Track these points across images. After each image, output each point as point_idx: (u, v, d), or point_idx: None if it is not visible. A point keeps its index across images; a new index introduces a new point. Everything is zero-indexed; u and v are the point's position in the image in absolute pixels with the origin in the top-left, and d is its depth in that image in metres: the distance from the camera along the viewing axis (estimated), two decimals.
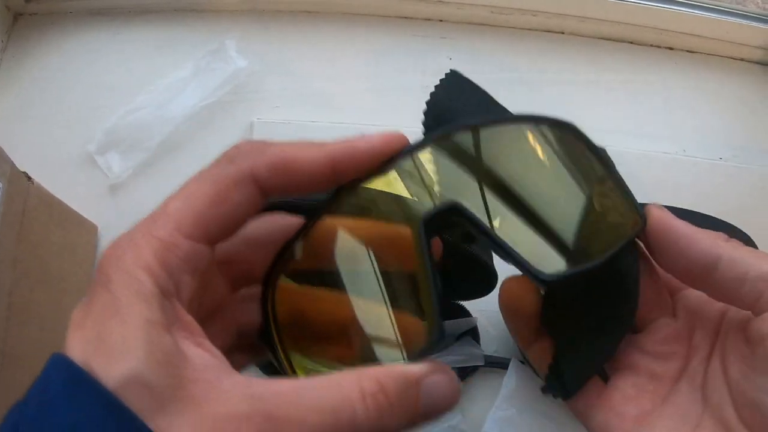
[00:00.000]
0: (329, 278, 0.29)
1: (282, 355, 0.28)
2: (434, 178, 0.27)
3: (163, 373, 0.22)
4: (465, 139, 0.27)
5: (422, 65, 0.79)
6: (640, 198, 0.69)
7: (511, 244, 0.27)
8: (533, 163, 0.30)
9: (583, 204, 0.30)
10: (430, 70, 0.78)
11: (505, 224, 0.28)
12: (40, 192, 0.56)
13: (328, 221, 0.28)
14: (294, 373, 0.28)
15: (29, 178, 0.55)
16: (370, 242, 0.28)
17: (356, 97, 0.76)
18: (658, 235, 0.31)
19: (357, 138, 0.26)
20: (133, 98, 0.74)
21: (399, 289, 0.28)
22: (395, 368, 0.23)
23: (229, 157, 0.25)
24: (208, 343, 0.24)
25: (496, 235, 0.27)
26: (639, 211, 0.32)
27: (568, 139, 0.30)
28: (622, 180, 0.31)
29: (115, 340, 0.22)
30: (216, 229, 0.25)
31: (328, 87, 0.76)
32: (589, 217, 0.30)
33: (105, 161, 0.72)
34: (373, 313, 0.28)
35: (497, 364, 0.61)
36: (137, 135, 0.72)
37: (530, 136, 0.29)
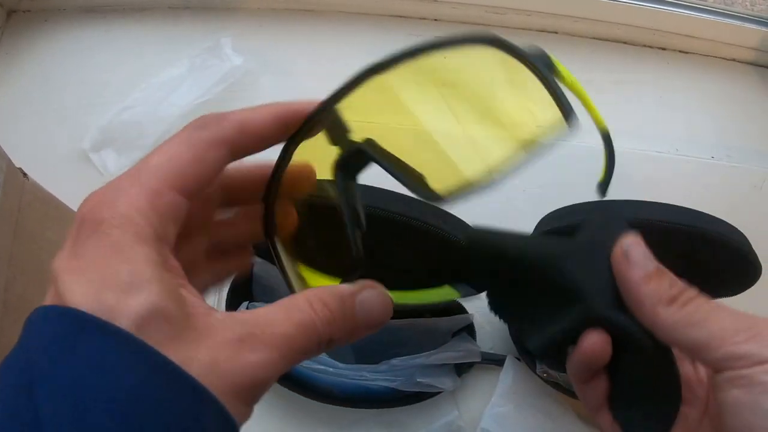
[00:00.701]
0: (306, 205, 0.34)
1: (285, 264, 0.33)
2: (347, 126, 0.30)
3: (175, 305, 0.23)
4: (377, 84, 0.28)
5: (421, 81, 0.79)
6: (632, 196, 0.69)
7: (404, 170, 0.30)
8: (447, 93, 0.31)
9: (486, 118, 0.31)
10: (429, 81, 0.78)
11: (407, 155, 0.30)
12: (35, 188, 0.56)
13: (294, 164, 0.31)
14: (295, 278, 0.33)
15: (25, 174, 0.54)
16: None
17: None
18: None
19: (292, 101, 0.29)
20: (128, 96, 0.74)
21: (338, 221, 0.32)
22: (334, 288, 0.28)
23: (198, 125, 0.27)
24: (192, 287, 0.26)
25: (410, 170, 0.30)
26: (564, 106, 0.30)
27: (488, 56, 0.28)
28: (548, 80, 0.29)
29: (126, 278, 0.22)
30: (194, 185, 0.26)
31: (323, 85, 0.75)
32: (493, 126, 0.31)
33: (100, 159, 0.71)
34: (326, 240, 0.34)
35: (493, 361, 0.62)
36: (132, 133, 0.72)
37: (444, 61, 0.28)
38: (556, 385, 0.58)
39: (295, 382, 0.58)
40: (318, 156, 0.31)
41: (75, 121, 0.74)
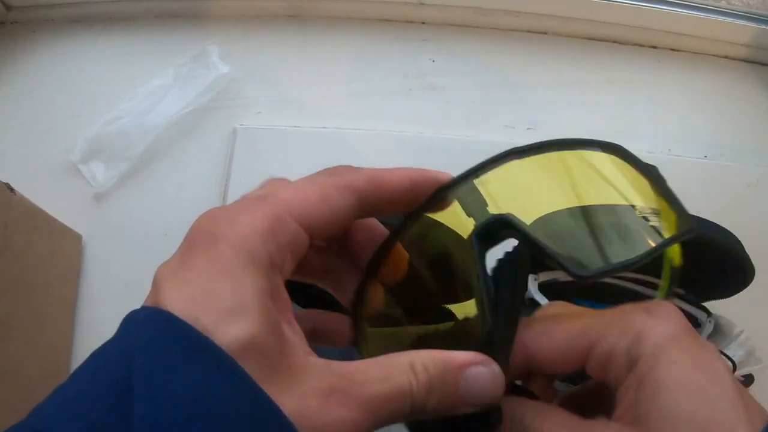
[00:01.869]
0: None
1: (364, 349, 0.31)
2: (487, 200, 0.29)
3: (273, 340, 0.22)
4: (511, 167, 0.29)
5: (404, 68, 0.79)
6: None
7: (553, 248, 0.28)
8: (579, 184, 0.32)
9: (625, 214, 0.31)
10: (412, 73, 0.78)
11: (548, 236, 0.29)
12: (22, 203, 0.56)
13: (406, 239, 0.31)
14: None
15: (11, 189, 0.54)
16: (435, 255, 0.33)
17: (338, 101, 0.76)
18: None
19: (424, 169, 0.29)
20: (115, 106, 0.74)
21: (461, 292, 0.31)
22: (440, 353, 0.26)
23: (330, 172, 0.28)
24: (296, 324, 0.26)
25: (538, 240, 0.28)
26: (689, 220, 0.30)
27: (613, 160, 0.31)
28: (672, 194, 0.30)
29: (229, 300, 0.22)
30: (319, 223, 0.26)
31: (310, 92, 0.76)
32: (630, 224, 0.31)
33: (89, 170, 0.71)
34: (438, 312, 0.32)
35: None
36: (120, 143, 0.71)
37: (574, 161, 0.31)
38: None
39: None
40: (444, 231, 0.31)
41: (63, 132, 0.74)
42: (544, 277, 0.57)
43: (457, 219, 0.30)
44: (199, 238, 0.23)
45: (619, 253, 0.29)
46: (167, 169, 0.72)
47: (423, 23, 0.82)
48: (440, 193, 0.29)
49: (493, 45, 0.81)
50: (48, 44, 0.82)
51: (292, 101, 0.75)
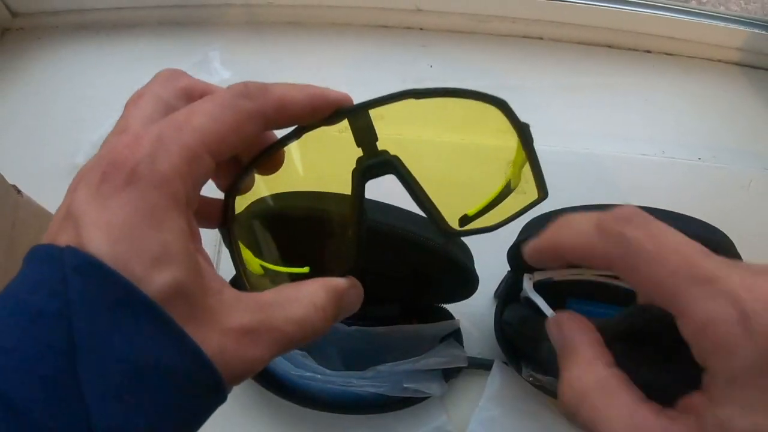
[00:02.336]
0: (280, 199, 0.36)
1: (236, 253, 0.33)
2: (377, 134, 0.32)
3: (195, 283, 0.23)
4: (408, 105, 0.31)
5: (403, 73, 0.80)
6: (618, 199, 0.70)
7: (432, 200, 0.33)
8: (460, 133, 0.35)
9: (495, 175, 0.36)
10: (410, 78, 0.80)
11: (428, 183, 0.33)
12: (29, 204, 0.56)
13: (289, 148, 0.32)
14: (242, 266, 0.33)
15: (19, 191, 0.55)
16: (315, 180, 0.36)
17: None
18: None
19: (326, 89, 0.30)
20: (119, 110, 0.75)
21: (336, 219, 0.36)
22: (330, 282, 0.29)
23: (242, 92, 0.27)
24: (203, 250, 0.27)
25: (421, 189, 0.33)
26: (542, 187, 0.35)
27: (494, 113, 0.34)
28: (536, 158, 0.34)
29: (156, 247, 0.22)
30: (228, 153, 0.26)
31: None
32: (497, 188, 0.36)
33: None
34: (314, 233, 0.36)
35: (481, 366, 0.62)
36: None
37: (462, 108, 0.33)
38: (542, 389, 0.59)
39: (283, 389, 0.59)
40: (331, 149, 0.33)
41: (68, 136, 0.75)
42: (539, 276, 0.58)
43: (346, 145, 0.31)
44: (120, 171, 0.23)
45: (485, 219, 0.35)
46: None
47: (421, 29, 0.83)
48: (337, 115, 0.30)
49: (490, 50, 0.83)
50: (53, 50, 0.83)
51: (326, 155, 0.76)
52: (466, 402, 0.62)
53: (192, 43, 0.81)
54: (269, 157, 0.31)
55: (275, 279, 0.37)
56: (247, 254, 0.34)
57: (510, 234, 0.57)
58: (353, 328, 0.57)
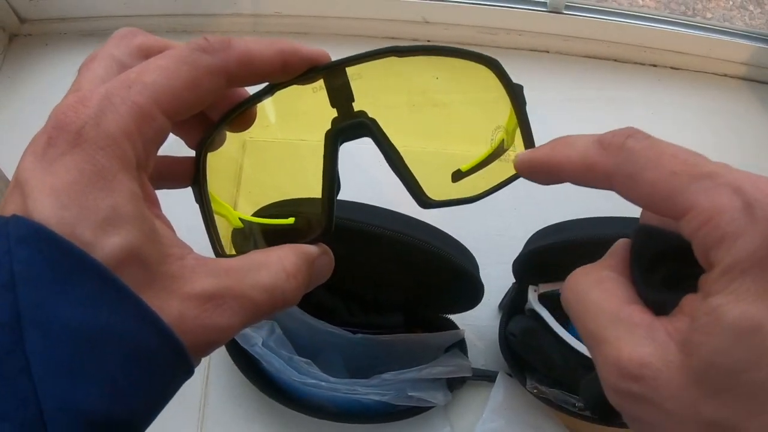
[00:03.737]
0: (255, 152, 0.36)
1: (207, 213, 0.31)
2: (353, 95, 0.30)
3: (150, 247, 0.22)
4: (389, 63, 0.30)
5: (424, 78, 0.80)
6: (624, 212, 0.70)
7: (408, 167, 0.31)
8: (445, 95, 0.35)
9: (481, 141, 0.34)
10: (416, 89, 0.79)
11: (408, 147, 0.31)
12: None
13: (263, 104, 0.31)
14: (213, 227, 0.32)
15: None
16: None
17: None
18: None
19: (298, 43, 0.28)
20: None
21: (309, 181, 0.33)
22: (300, 249, 0.28)
23: (202, 47, 0.25)
24: (163, 216, 0.26)
25: (398, 154, 0.31)
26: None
27: (484, 74, 0.32)
28: (527, 122, 0.32)
29: (105, 211, 0.21)
30: (184, 111, 0.25)
31: None
32: (483, 155, 0.34)
33: None
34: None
35: (485, 377, 0.62)
36: None
37: (448, 68, 0.32)
38: (546, 401, 0.59)
39: (288, 396, 0.59)
40: (305, 108, 0.31)
41: None
42: (544, 288, 0.58)
43: (322, 104, 0.30)
44: (66, 133, 0.22)
45: (465, 189, 0.33)
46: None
47: (428, 41, 0.84)
48: (311, 73, 0.29)
49: None
50: (60, 57, 0.84)
51: (300, 115, 0.77)
52: (470, 413, 0.62)
53: None
54: (240, 114, 0.30)
55: (254, 236, 0.36)
56: (224, 208, 0.33)
57: (515, 246, 0.57)
58: (358, 336, 0.57)
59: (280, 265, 0.26)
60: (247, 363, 0.60)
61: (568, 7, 0.81)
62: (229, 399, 0.63)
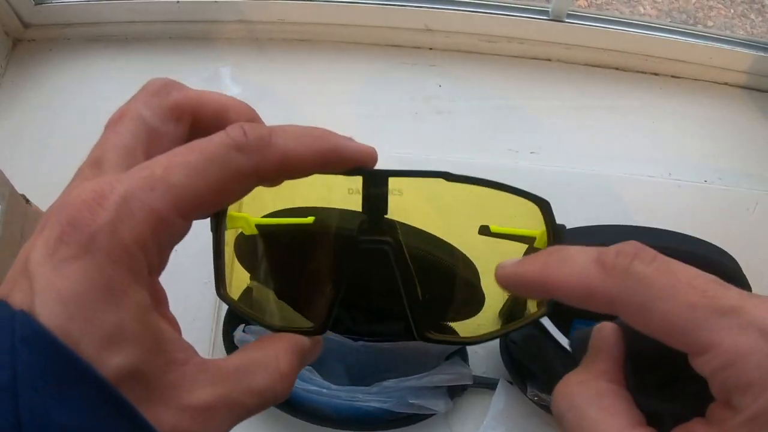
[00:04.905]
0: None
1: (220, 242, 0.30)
2: (387, 207, 0.29)
3: (154, 362, 0.22)
4: (433, 184, 0.29)
5: (411, 92, 0.81)
6: (624, 221, 0.70)
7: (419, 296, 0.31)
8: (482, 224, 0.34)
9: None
10: (419, 97, 0.80)
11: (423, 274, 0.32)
12: (38, 214, 0.57)
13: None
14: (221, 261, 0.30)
15: (27, 200, 0.56)
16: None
17: (347, 123, 0.78)
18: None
19: (343, 140, 0.26)
20: None
21: (313, 276, 0.34)
22: (297, 343, 0.27)
23: (238, 144, 0.23)
24: (170, 314, 0.25)
25: (413, 284, 0.31)
26: (545, 304, 0.32)
27: (530, 211, 0.31)
28: None
29: (111, 326, 0.20)
30: (206, 211, 0.24)
31: (319, 113, 0.78)
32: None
33: None
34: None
35: (486, 384, 0.62)
36: None
37: (487, 200, 0.31)
38: (547, 408, 0.59)
39: (289, 404, 0.59)
40: (337, 197, 0.31)
41: (77, 148, 0.74)
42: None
43: (352, 202, 0.29)
44: (77, 236, 0.21)
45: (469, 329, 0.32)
46: None
47: (430, 49, 0.84)
48: (353, 172, 0.27)
49: (498, 71, 0.83)
50: (64, 62, 0.84)
51: (302, 122, 0.77)
52: (471, 420, 0.62)
53: (203, 58, 0.82)
54: None
55: (261, 300, 0.35)
56: (241, 221, 0.32)
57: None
58: (359, 343, 0.57)
59: (275, 366, 0.26)
60: None
61: (570, 16, 0.81)
62: None
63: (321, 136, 0.26)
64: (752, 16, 1.68)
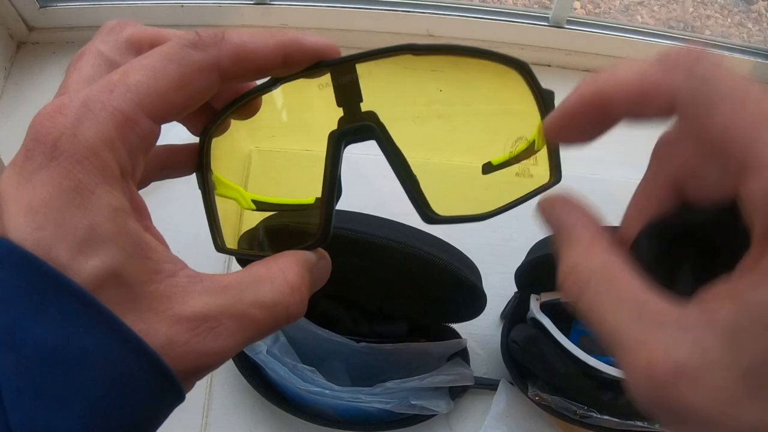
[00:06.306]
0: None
1: (210, 200, 0.30)
2: (362, 94, 0.27)
3: (134, 266, 0.21)
4: (403, 62, 0.28)
5: (413, 97, 0.81)
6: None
7: (416, 177, 0.29)
8: (462, 101, 0.32)
9: (498, 152, 0.31)
10: (420, 102, 0.80)
11: (416, 157, 0.29)
12: None
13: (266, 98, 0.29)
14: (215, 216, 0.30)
15: None
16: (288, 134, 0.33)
17: None
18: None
19: (301, 34, 0.26)
20: None
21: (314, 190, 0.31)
22: (302, 256, 0.26)
23: (191, 42, 0.23)
24: (154, 228, 0.25)
25: (406, 165, 0.28)
26: (556, 169, 0.30)
27: (513, 78, 0.29)
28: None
29: (82, 230, 0.20)
30: (174, 113, 0.23)
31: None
32: (500, 169, 0.31)
33: None
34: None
35: (487, 385, 0.63)
36: None
37: (467, 71, 0.30)
38: (548, 408, 0.59)
39: (291, 404, 0.59)
40: (310, 105, 0.29)
41: None
42: (546, 297, 0.58)
43: (328, 101, 0.27)
44: (42, 146, 0.20)
45: (473, 205, 0.30)
46: (184, 187, 0.74)
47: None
48: (318, 67, 0.26)
49: None
50: (67, 65, 0.84)
51: (306, 125, 0.77)
52: (472, 421, 0.62)
53: None
54: (243, 105, 0.28)
55: (258, 237, 0.34)
56: (234, 191, 0.32)
57: (518, 255, 0.58)
58: (362, 344, 0.58)
59: (283, 278, 0.24)
60: (251, 370, 0.60)
61: (569, 22, 0.82)
62: (233, 406, 0.64)
63: (279, 31, 0.25)
64: (749, 25, 1.69)
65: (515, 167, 0.28)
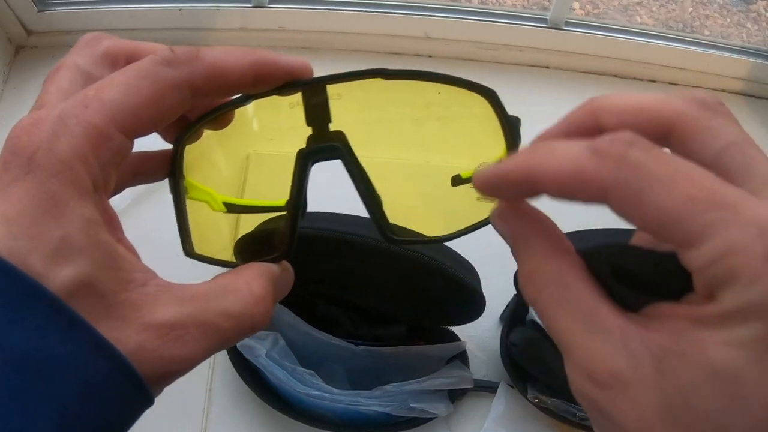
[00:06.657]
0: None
1: (181, 206, 0.31)
2: (330, 115, 0.28)
3: (106, 276, 0.21)
4: (373, 85, 0.28)
5: (412, 99, 0.81)
6: (623, 226, 0.70)
7: (380, 200, 0.29)
8: (431, 126, 0.33)
9: (459, 179, 0.32)
10: (418, 104, 0.80)
11: (381, 179, 0.30)
12: None
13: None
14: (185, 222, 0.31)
15: None
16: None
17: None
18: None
19: (276, 54, 0.27)
20: None
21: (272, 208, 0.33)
22: (266, 268, 0.27)
23: (165, 60, 0.24)
24: (126, 239, 0.25)
25: (369, 185, 0.29)
26: None
27: (478, 104, 0.30)
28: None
29: (56, 240, 0.20)
30: (146, 128, 0.24)
31: None
32: (460, 193, 0.32)
33: None
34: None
35: (486, 388, 0.63)
36: None
37: (438, 95, 0.30)
38: (548, 411, 0.59)
39: (290, 407, 0.59)
40: (282, 120, 0.30)
41: None
42: None
43: (298, 119, 0.28)
44: (18, 159, 0.21)
45: (436, 226, 0.31)
46: None
47: (430, 56, 0.85)
48: (289, 87, 0.27)
49: (497, 78, 0.84)
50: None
51: (279, 128, 0.78)
52: (471, 423, 0.62)
53: None
54: (215, 117, 0.29)
55: (236, 222, 0.35)
56: (205, 194, 0.32)
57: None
58: (361, 347, 0.58)
59: (247, 289, 0.25)
60: (250, 373, 0.60)
61: (568, 24, 0.82)
62: (232, 409, 0.64)
63: (252, 50, 0.26)
64: (748, 25, 1.69)
65: (477, 194, 0.27)
